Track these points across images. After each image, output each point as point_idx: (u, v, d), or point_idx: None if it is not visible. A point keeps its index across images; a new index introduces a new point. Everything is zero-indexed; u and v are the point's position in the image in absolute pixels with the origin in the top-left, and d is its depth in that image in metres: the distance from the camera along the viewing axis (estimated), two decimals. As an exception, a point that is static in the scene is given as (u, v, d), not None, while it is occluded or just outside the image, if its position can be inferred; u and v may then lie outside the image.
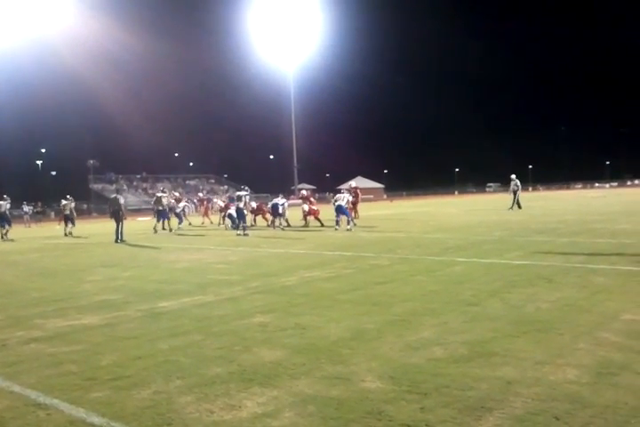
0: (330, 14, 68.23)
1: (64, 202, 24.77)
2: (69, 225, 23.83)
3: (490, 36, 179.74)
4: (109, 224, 21.53)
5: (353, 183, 24.60)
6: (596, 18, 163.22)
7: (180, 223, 24.33)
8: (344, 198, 19.33)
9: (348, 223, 18.89)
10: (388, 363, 4.31)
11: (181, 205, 25.92)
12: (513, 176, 28.17)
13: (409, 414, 3.33)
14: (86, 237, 22.06)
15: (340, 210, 19.11)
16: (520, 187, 28.27)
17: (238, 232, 19.11)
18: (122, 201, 19.03)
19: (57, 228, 26.90)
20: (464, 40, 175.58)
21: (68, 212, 24.25)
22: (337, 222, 19.30)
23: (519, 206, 27.10)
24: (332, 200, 20.47)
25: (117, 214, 18.49)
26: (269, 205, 22.08)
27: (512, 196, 27.97)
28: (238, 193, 20.44)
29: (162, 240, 18.62)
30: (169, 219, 23.57)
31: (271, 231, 20.39)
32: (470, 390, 3.65)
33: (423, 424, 3.17)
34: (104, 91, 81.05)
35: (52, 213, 54.49)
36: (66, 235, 23.12)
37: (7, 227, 24.18)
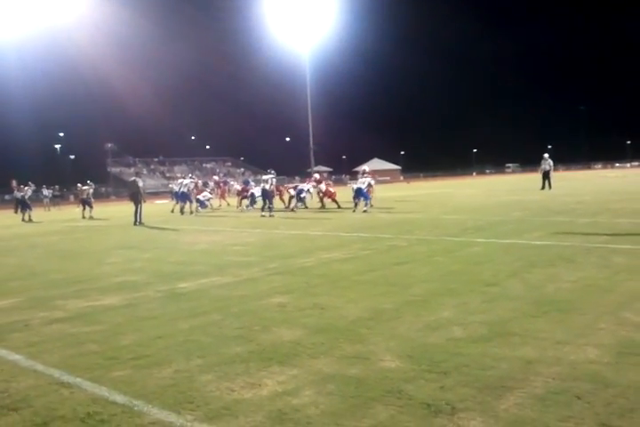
0: (346, -7, 67.24)
1: (84, 187, 25.31)
2: (87, 208, 24.29)
3: (509, 17, 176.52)
4: (128, 207, 21.75)
5: (366, 168, 24.53)
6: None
7: (201, 207, 24.77)
8: (365, 182, 19.66)
9: (366, 205, 19.01)
10: (406, 342, 4.31)
11: (205, 194, 26.32)
12: (546, 155, 27.32)
13: (429, 393, 3.33)
14: (105, 220, 22.26)
15: (359, 192, 19.34)
16: (552, 167, 27.54)
17: (263, 213, 19.41)
18: (141, 184, 19.21)
19: (76, 211, 27.28)
20: (482, 20, 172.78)
21: (85, 196, 24.84)
22: (355, 205, 19.36)
23: (550, 187, 26.48)
24: (352, 183, 20.57)
25: (136, 197, 18.67)
26: (296, 190, 22.46)
27: (541, 175, 27.31)
28: (265, 176, 20.79)
29: (180, 222, 18.73)
30: (192, 202, 23.73)
31: (288, 213, 20.44)
32: (490, 370, 3.64)
33: (443, 403, 3.17)
34: (120, 75, 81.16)
35: (72, 197, 54.97)
36: (84, 217, 23.63)
37: (28, 211, 24.68)
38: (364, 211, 18.55)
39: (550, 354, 3.89)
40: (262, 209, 19.78)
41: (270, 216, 18.98)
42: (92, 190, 25.54)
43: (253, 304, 5.90)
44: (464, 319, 4.86)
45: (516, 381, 3.44)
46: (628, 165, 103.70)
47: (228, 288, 6.84)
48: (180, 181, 25.39)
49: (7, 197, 47.19)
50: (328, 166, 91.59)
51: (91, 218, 23.43)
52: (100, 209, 29.34)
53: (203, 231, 15.06)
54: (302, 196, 21.89)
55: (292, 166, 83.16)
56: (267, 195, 19.81)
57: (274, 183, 20.50)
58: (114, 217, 24.17)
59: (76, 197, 29.63)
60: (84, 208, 24.40)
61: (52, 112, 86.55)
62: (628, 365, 3.62)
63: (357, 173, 23.32)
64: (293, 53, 59.37)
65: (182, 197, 23.61)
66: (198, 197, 25.21)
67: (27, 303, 6.57)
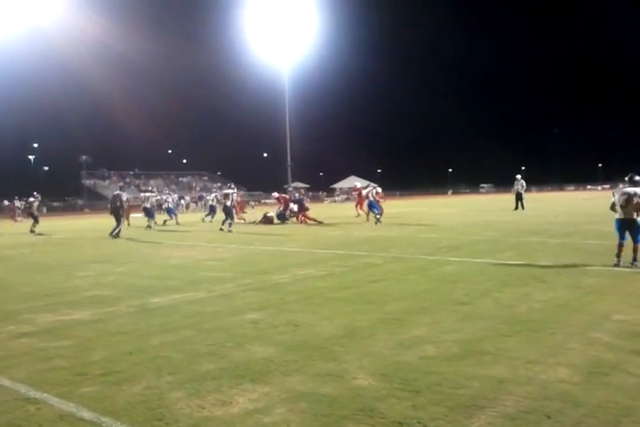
0: (324, 11, 68.12)
1: (30, 199, 23.92)
2: (32, 222, 22.67)
3: (486, 36, 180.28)
4: (102, 220, 21.55)
5: (358, 184, 25.72)
6: (591, 20, 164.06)
7: (208, 216, 26.25)
8: (372, 193, 21.51)
9: (376, 215, 20.66)
10: (380, 360, 4.31)
11: (211, 197, 28.47)
12: (518, 176, 27.74)
13: (400, 411, 3.33)
14: (79, 232, 21.93)
15: (371, 205, 21.25)
16: (525, 187, 27.93)
17: (222, 227, 19.61)
18: (124, 198, 19.03)
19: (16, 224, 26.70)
20: (460, 40, 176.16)
21: (32, 210, 23.34)
22: (367, 215, 21.38)
23: (522, 207, 26.83)
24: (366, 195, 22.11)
25: (118, 211, 18.48)
26: (295, 203, 23.16)
27: (515, 196, 27.67)
28: (225, 191, 21.00)
29: (154, 237, 18.55)
30: (152, 217, 23.51)
31: (264, 228, 20.39)
32: (462, 389, 3.65)
33: (415, 422, 3.17)
34: (98, 86, 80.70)
35: (45, 209, 54.13)
36: (32, 231, 22.00)
37: None
38: (377, 222, 20.12)
39: (521, 373, 3.92)
40: (222, 223, 19.88)
41: (229, 231, 19.07)
42: (37, 203, 23.90)
43: (226, 320, 5.85)
44: (437, 338, 4.89)
45: (487, 400, 3.46)
46: (599, 187, 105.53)
47: (201, 304, 6.78)
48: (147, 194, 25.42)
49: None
50: (305, 182, 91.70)
51: (32, 232, 21.79)
52: (74, 222, 28.96)
53: (177, 246, 14.94)
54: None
55: (269, 182, 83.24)
56: (227, 210, 20.05)
57: (234, 198, 20.76)
58: (87, 230, 23.83)
59: (51, 209, 27.97)
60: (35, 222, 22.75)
61: (26, 123, 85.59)
62: (597, 384, 3.67)
63: (335, 189, 24.77)
64: (273, 69, 59.71)
65: (145, 212, 23.62)
66: (210, 204, 27.07)
67: (-6, 317, 6.43)
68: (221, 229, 19.39)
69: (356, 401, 3.50)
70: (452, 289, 7.17)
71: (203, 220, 26.15)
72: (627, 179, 8.61)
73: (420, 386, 3.72)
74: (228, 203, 20.08)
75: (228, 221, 19.52)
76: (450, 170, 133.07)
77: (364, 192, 22.29)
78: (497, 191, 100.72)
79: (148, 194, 24.36)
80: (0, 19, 42.42)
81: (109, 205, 19.43)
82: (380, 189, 22.62)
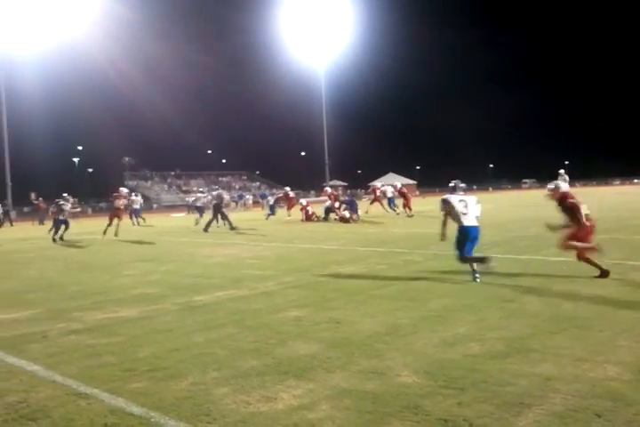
0: (362, 10, 67.92)
1: (60, 202, 19.16)
2: (62, 228, 18.72)
3: (532, 29, 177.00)
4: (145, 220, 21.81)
5: (378, 184, 28.57)
6: (631, 12, 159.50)
7: (271, 215, 27.20)
8: (389, 191, 24.86)
9: (388, 209, 24.13)
10: (423, 358, 4.28)
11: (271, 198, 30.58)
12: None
13: (446, 409, 3.30)
14: (124, 232, 22.35)
15: (391, 200, 24.69)
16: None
17: (217, 225, 20.50)
18: (226, 196, 20.96)
19: (94, 224, 27.30)
20: (497, 36, 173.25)
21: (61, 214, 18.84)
22: (394, 210, 24.17)
23: None
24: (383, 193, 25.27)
25: (219, 208, 20.19)
26: (347, 202, 23.65)
27: None
28: (213, 193, 22.90)
29: (196, 235, 18.81)
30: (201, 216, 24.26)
31: (303, 226, 20.45)
32: (508, 386, 3.61)
33: (460, 419, 3.15)
34: (139, 89, 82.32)
35: (90, 210, 55.36)
36: (54, 240, 18.43)
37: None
38: (388, 211, 23.98)
39: (569, 371, 3.85)
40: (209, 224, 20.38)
41: (205, 231, 19.64)
42: (67, 206, 19.18)
43: (269, 318, 5.91)
44: (481, 335, 4.83)
45: (534, 398, 3.41)
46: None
47: (244, 301, 6.85)
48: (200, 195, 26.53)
49: (26, 209, 47.78)
50: (343, 181, 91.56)
51: (54, 241, 18.32)
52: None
53: (219, 244, 15.11)
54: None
55: (307, 180, 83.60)
56: (222, 212, 20.93)
57: (224, 199, 21.60)
58: (131, 230, 24.27)
59: (97, 209, 25.10)
60: (64, 228, 18.77)
61: (70, 126, 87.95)
62: (648, 383, 3.57)
63: (369, 187, 27.09)
64: (310, 68, 59.88)
65: (196, 210, 25.06)
66: (270, 203, 28.96)
67: (45, 315, 6.64)
68: (204, 230, 20.00)
69: (401, 398, 3.49)
70: (495, 286, 7.07)
71: (266, 218, 26.72)
72: (452, 185, 8.32)
73: (465, 384, 3.68)
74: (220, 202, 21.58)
75: (208, 221, 20.48)
76: (491, 166, 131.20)
77: (378, 192, 25.07)
78: (540, 187, 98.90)
79: (199, 194, 25.43)
80: (43, 29, 43.69)
81: (213, 202, 21.14)
82: (399, 184, 24.89)
